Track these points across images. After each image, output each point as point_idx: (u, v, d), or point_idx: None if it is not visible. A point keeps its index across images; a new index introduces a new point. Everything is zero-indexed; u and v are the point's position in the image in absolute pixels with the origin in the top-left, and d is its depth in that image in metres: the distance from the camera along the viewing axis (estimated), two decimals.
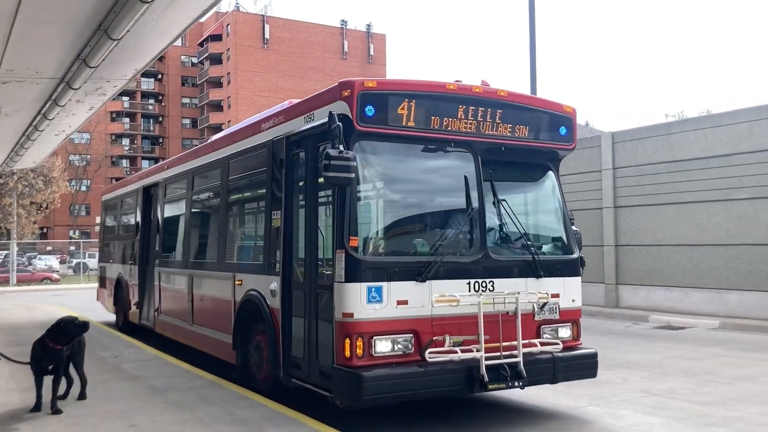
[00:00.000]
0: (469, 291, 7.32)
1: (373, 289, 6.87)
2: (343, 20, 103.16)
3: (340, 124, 6.72)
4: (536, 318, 7.71)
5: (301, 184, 8.06)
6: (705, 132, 18.19)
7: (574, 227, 8.50)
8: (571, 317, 8.03)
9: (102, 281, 19.07)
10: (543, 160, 8.45)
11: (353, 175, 6.65)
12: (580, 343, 8.14)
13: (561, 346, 7.65)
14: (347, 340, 6.73)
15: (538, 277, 7.82)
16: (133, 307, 15.03)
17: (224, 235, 10.40)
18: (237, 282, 9.42)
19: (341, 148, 6.63)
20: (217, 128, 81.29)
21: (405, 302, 6.95)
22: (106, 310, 18.49)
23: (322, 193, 7.65)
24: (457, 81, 7.73)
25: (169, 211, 13.69)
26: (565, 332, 7.96)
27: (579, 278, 8.27)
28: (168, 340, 12.95)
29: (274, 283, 8.26)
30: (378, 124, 7.09)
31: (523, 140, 8.05)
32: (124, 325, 15.94)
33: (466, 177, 7.65)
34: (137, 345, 13.21)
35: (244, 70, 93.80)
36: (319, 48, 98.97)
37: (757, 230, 16.83)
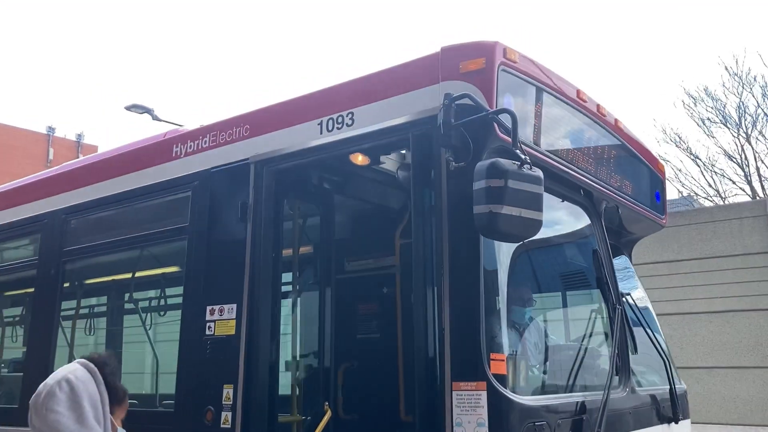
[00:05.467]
0: None
1: None
2: (50, 127, 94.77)
3: (512, 111, 3.24)
4: None
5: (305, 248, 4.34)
6: None
7: None
8: None
9: None
10: (628, 238, 5.62)
11: (542, 218, 3.14)
12: None
13: None
14: None
15: (677, 421, 4.77)
16: None
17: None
18: None
19: (522, 155, 3.12)
20: None
21: None
22: None
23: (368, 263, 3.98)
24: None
25: None
26: None
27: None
28: None
29: None
30: (510, 133, 3.67)
31: (632, 201, 5.12)
32: None
33: (596, 253, 4.44)
34: None
35: None
36: (18, 153, 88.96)
37: None
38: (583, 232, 4.46)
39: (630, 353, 4.57)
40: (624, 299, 4.61)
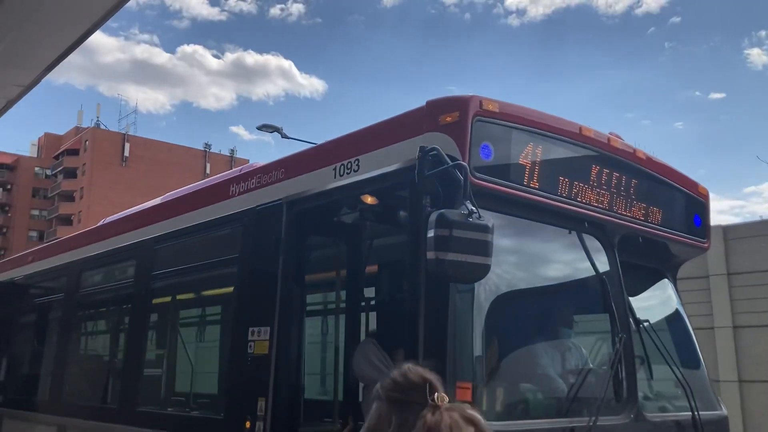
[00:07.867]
0: None
1: None
2: (206, 144, 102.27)
3: (465, 165, 3.62)
4: None
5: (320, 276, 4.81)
6: None
7: None
8: None
9: None
10: (668, 262, 5.66)
11: (491, 262, 3.48)
12: None
13: None
14: None
15: None
16: None
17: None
18: None
19: (470, 207, 3.48)
20: None
21: None
22: None
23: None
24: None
25: None
26: None
27: None
28: None
29: None
30: (496, 177, 4.01)
31: (658, 229, 5.21)
32: None
33: (604, 281, 4.63)
34: None
35: (99, 185, 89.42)
36: (179, 168, 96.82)
37: None
38: (585, 262, 4.64)
39: (643, 379, 4.71)
40: (642, 325, 4.75)
